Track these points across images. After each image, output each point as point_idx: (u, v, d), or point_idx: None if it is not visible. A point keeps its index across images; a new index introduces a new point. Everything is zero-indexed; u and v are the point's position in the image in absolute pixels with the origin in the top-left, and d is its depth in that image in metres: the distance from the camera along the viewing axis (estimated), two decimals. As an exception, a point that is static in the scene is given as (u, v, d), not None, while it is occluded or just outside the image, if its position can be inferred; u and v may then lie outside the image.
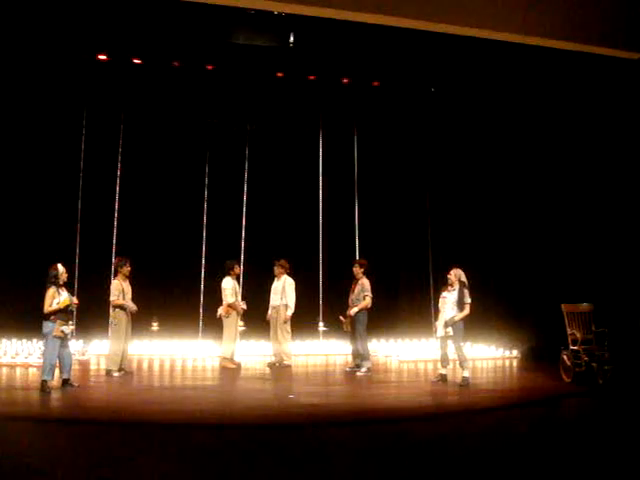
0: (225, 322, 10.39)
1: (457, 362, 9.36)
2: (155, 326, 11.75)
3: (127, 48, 11.66)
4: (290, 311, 10.57)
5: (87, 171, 12.52)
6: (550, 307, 10.19)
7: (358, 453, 5.82)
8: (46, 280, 8.27)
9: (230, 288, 10.41)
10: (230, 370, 10.21)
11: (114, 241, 12.52)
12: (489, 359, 11.85)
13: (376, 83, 13.19)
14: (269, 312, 10.79)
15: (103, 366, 9.94)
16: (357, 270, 10.28)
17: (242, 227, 13.22)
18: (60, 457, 5.50)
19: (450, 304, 9.20)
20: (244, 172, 13.34)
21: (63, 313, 8.17)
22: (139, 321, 10.40)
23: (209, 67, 12.38)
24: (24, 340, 11.09)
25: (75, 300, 8.52)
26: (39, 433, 6.37)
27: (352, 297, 10.17)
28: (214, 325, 11.18)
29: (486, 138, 12.83)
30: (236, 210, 13.23)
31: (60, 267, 8.37)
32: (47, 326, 8.12)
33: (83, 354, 11.09)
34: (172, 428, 6.57)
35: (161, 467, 5.27)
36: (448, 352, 9.40)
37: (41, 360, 8.70)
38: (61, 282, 8.33)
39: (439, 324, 9.39)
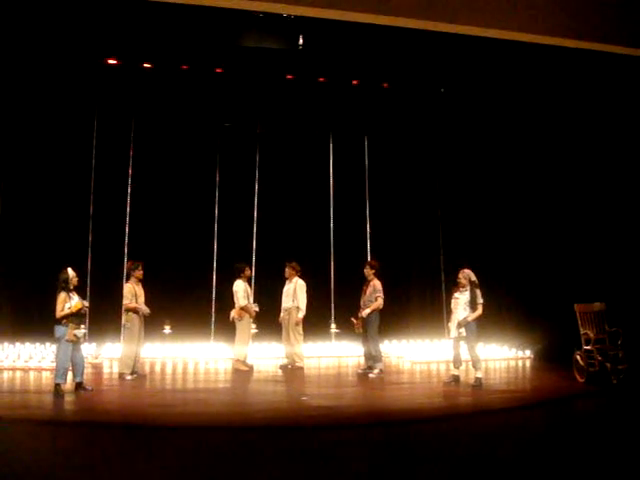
0: (238, 325, 10.40)
1: (470, 363, 9.33)
2: (167, 329, 11.76)
3: (137, 52, 11.72)
4: (302, 313, 10.57)
5: (98, 175, 12.54)
6: (563, 307, 10.13)
7: (371, 455, 5.81)
8: (56, 285, 8.32)
9: (242, 291, 10.42)
10: (243, 372, 10.21)
11: (126, 245, 12.56)
12: (502, 359, 11.78)
13: (386, 84, 13.17)
14: (281, 314, 10.80)
15: (116, 369, 9.98)
16: (368, 271, 10.26)
17: (253, 230, 13.22)
18: (74, 460, 5.52)
19: (462, 305, 9.17)
20: (255, 175, 13.32)
21: (75, 317, 8.21)
22: (151, 324, 10.44)
23: (218, 70, 12.39)
24: (37, 344, 11.13)
25: (86, 304, 8.55)
26: (53, 436, 6.40)
27: (364, 299, 10.15)
28: (226, 327, 11.19)
29: (496, 138, 12.77)
30: (247, 213, 13.23)
31: (70, 271, 8.41)
32: (59, 330, 8.16)
33: (96, 357, 11.11)
34: (185, 430, 6.60)
35: (175, 469, 5.29)
36: (460, 353, 9.37)
37: (54, 364, 8.72)
38: (71, 286, 8.36)
39: (452, 325, 9.35)
